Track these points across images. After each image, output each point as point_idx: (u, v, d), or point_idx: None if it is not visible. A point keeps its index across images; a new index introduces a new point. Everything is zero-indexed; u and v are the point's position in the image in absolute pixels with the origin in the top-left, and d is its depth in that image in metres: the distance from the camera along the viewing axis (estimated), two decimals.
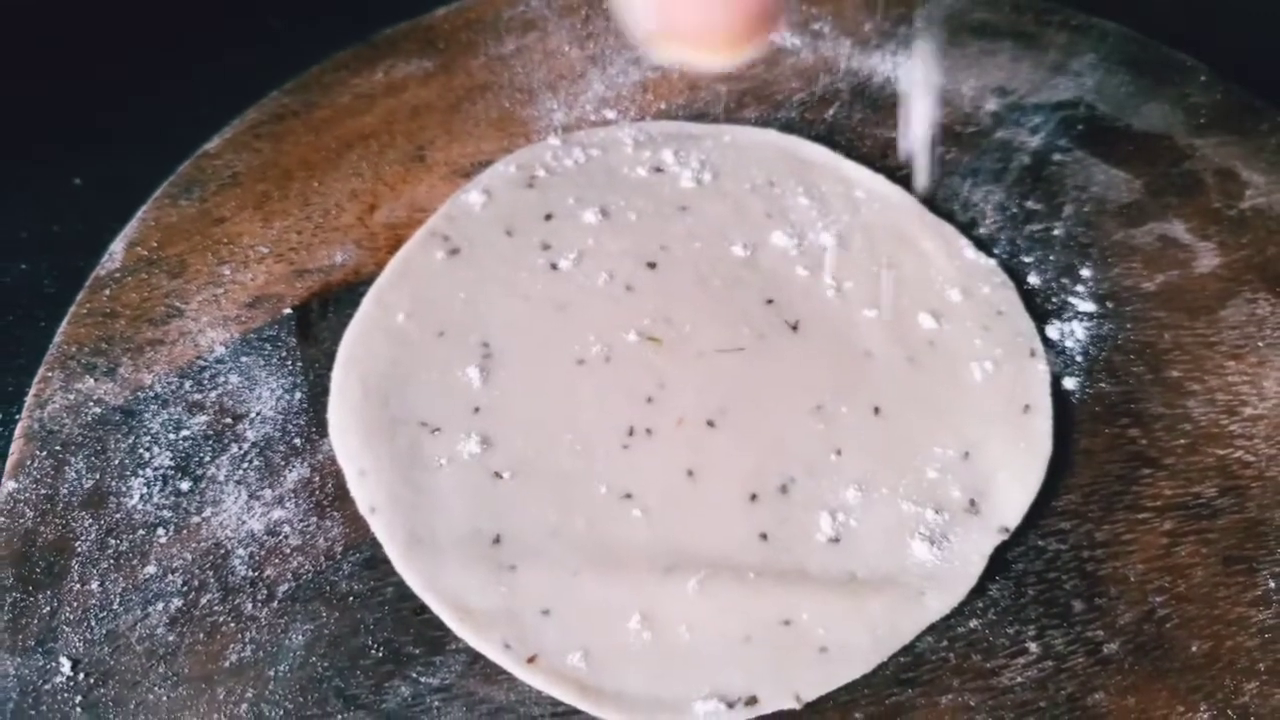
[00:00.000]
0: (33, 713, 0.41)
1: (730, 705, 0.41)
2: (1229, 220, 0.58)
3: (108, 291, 0.55)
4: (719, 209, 0.58)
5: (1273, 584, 0.45)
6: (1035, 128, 0.62)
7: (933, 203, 0.58)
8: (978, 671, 0.42)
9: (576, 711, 0.41)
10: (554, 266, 0.55)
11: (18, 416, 0.50)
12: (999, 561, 0.45)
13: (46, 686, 0.42)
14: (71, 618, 0.44)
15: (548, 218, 0.58)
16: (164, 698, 0.42)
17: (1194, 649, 0.43)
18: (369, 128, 0.62)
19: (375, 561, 0.45)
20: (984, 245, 0.57)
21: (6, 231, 0.63)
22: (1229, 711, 0.41)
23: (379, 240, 0.57)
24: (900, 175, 0.59)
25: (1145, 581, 0.45)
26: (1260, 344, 0.53)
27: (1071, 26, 0.68)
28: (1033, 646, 0.43)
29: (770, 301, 0.54)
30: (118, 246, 0.57)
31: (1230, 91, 0.64)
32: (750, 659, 0.42)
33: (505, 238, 0.57)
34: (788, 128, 0.62)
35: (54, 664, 0.42)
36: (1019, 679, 0.42)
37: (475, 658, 0.42)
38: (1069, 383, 0.51)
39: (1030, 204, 0.58)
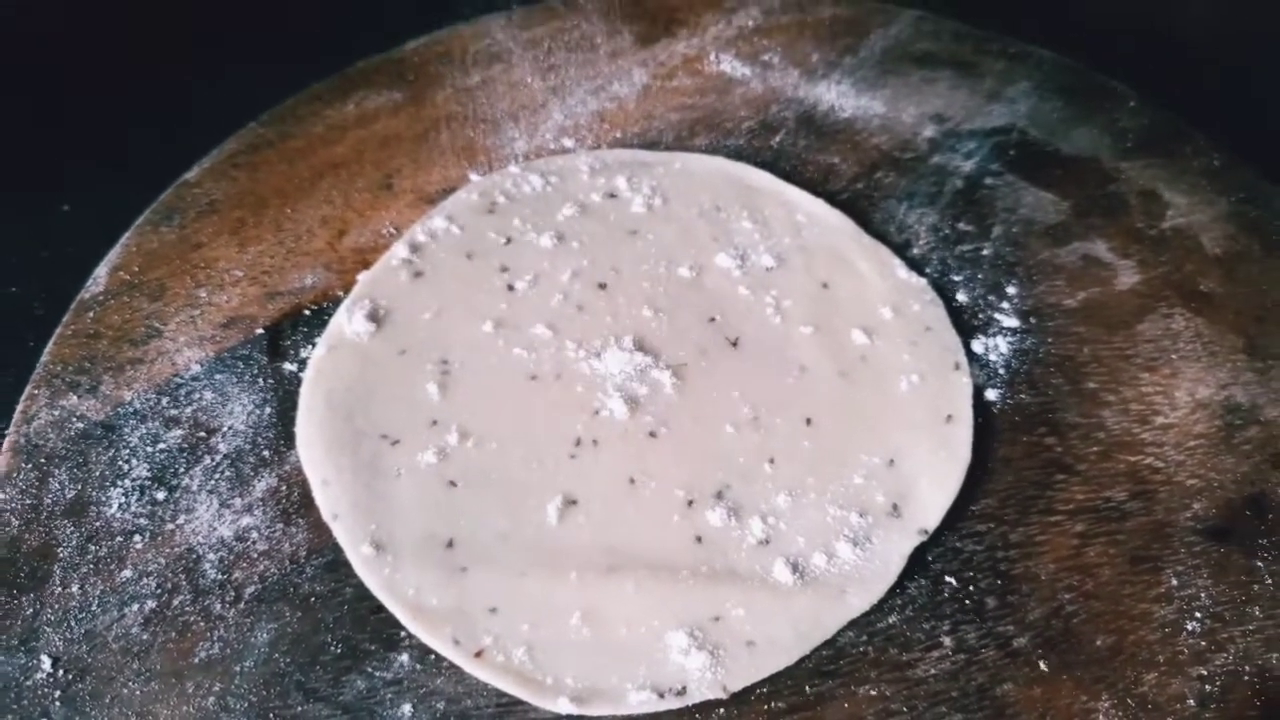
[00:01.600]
0: (14, 707, 0.44)
1: (661, 695, 0.44)
2: (1150, 239, 0.61)
3: (92, 314, 0.58)
4: (667, 232, 0.62)
5: (1175, 582, 0.48)
6: (969, 153, 0.65)
7: (869, 225, 0.62)
8: (894, 664, 0.45)
9: (520, 702, 0.44)
10: (511, 288, 0.59)
11: (5, 432, 0.54)
12: (919, 561, 0.48)
13: (28, 683, 0.45)
14: (52, 619, 0.47)
15: (507, 242, 0.61)
16: (137, 692, 0.45)
17: (1099, 643, 0.46)
18: (340, 157, 0.66)
19: (336, 565, 0.48)
20: (916, 265, 0.60)
21: None
22: (1129, 700, 0.44)
23: (347, 264, 0.60)
24: (840, 200, 0.63)
25: (1056, 580, 0.48)
26: (1174, 356, 0.56)
27: (1009, 55, 0.71)
28: (947, 641, 0.46)
29: (713, 320, 0.57)
30: (102, 271, 0.60)
31: (1158, 116, 0.67)
32: (682, 652, 0.45)
33: (466, 261, 0.60)
34: (736, 154, 0.66)
35: (35, 662, 0.45)
36: (933, 671, 0.45)
37: (426, 653, 0.46)
38: (991, 394, 0.54)
39: (962, 225, 0.62)
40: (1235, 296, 0.58)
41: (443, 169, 0.65)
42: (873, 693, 0.45)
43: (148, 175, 0.66)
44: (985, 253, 0.60)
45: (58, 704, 0.44)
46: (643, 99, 0.70)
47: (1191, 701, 0.44)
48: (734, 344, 0.56)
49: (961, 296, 0.58)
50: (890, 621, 0.47)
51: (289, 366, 0.56)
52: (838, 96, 0.69)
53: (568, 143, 0.67)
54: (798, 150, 0.66)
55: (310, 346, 0.56)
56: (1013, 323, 0.57)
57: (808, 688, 0.45)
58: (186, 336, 0.57)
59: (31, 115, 0.75)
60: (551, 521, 0.49)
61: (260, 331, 0.57)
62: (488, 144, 0.67)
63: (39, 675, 0.45)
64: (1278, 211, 0.62)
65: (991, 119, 0.67)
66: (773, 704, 0.44)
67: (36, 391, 0.55)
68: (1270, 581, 0.48)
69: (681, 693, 0.44)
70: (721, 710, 0.44)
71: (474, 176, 0.65)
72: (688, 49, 0.74)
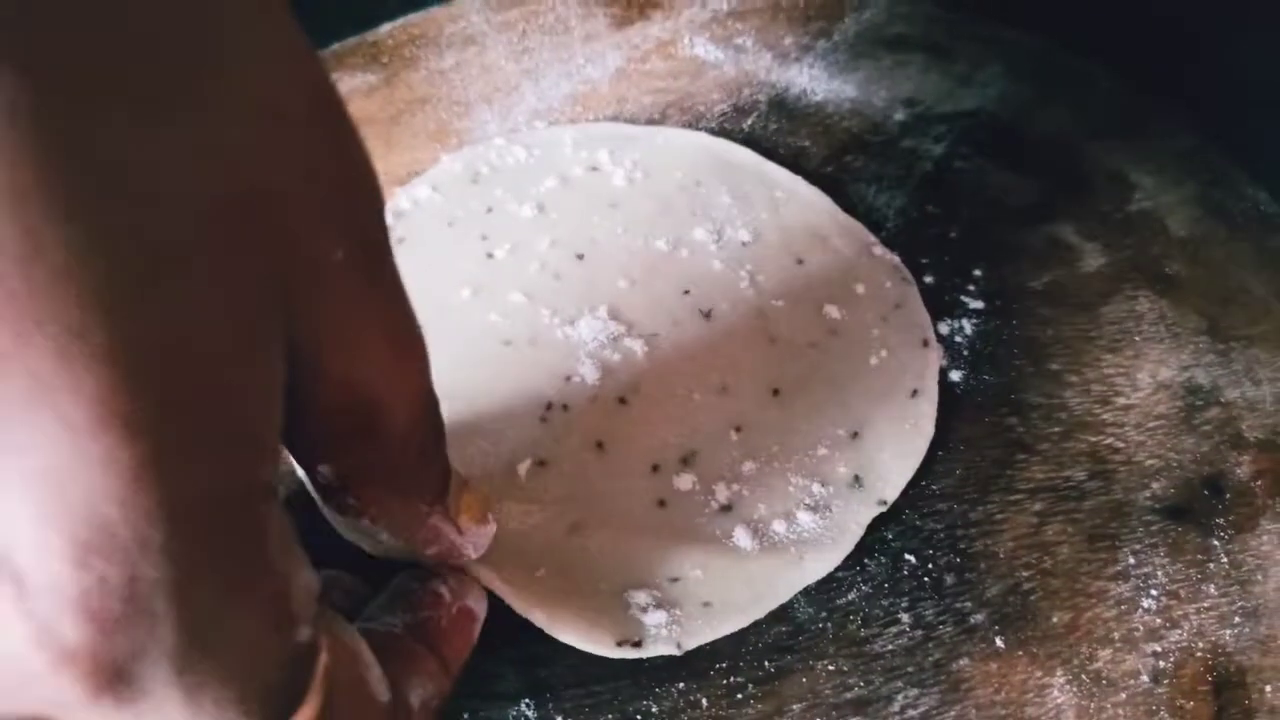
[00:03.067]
0: None
1: (619, 644, 0.45)
2: (1116, 222, 0.61)
3: None
4: (646, 206, 0.62)
5: (1132, 560, 0.48)
6: (939, 136, 0.65)
7: (841, 203, 0.62)
8: (852, 640, 0.46)
9: (486, 675, 0.45)
10: (490, 256, 0.59)
11: None
12: (879, 539, 0.49)
13: None
14: None
15: (488, 211, 0.62)
16: None
17: (1055, 619, 0.47)
18: None
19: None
20: (885, 247, 0.60)
21: None
22: (1083, 676, 0.45)
23: None
24: (817, 178, 0.63)
25: (1014, 557, 0.49)
26: (1137, 338, 0.56)
27: (982, 38, 0.71)
28: (905, 617, 0.47)
29: (687, 292, 0.58)
30: None
31: (1129, 99, 0.68)
32: (641, 610, 0.46)
33: (448, 228, 0.61)
34: None
35: None
36: (890, 646, 0.46)
37: None
38: (955, 375, 0.55)
39: (930, 208, 0.62)
40: (1200, 279, 0.59)
41: (414, 151, 0.66)
42: (830, 667, 0.45)
43: None
44: (953, 235, 0.61)
45: None
46: (616, 82, 0.70)
47: (1145, 677, 0.45)
48: (706, 315, 0.57)
49: (928, 278, 0.59)
50: (849, 598, 0.47)
51: None
52: (810, 80, 0.69)
53: (540, 125, 0.67)
54: (769, 133, 0.67)
55: None
56: (978, 304, 0.57)
57: (766, 662, 0.45)
58: None
59: None
60: (519, 482, 0.50)
61: None
62: (460, 127, 0.67)
63: None
64: (1244, 195, 0.63)
65: (962, 102, 0.67)
66: (732, 679, 0.45)
67: None
68: (1226, 560, 0.48)
69: (638, 644, 0.45)
70: (681, 685, 0.45)
71: (445, 158, 0.65)
72: (662, 32, 0.74)
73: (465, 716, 0.43)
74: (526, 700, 0.44)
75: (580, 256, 0.59)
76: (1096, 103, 0.67)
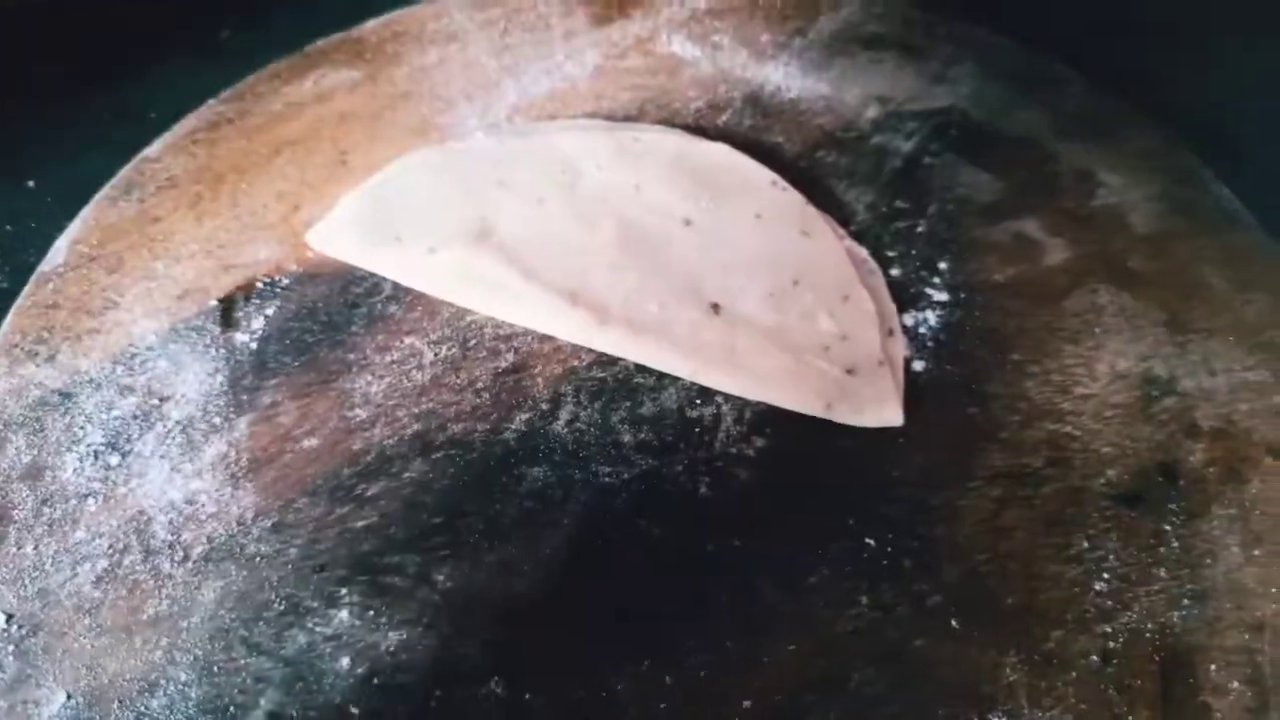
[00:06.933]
0: None
1: None
2: (1080, 218, 0.63)
3: (51, 285, 0.60)
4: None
5: (1086, 544, 0.50)
6: (910, 133, 0.67)
7: (812, 198, 0.63)
8: (814, 621, 0.48)
9: (456, 654, 0.46)
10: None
11: None
12: (841, 524, 0.50)
13: None
14: (7, 577, 0.49)
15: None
16: (88, 646, 0.47)
17: (1009, 602, 0.48)
18: (297, 134, 0.68)
19: (281, 526, 0.50)
20: (854, 240, 0.62)
21: None
22: (1035, 656, 0.46)
23: (301, 237, 0.62)
24: (790, 173, 0.64)
25: (972, 542, 0.50)
26: (1097, 330, 0.58)
27: (955, 38, 0.73)
28: (864, 599, 0.48)
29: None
30: (62, 244, 0.62)
31: (1099, 99, 0.69)
32: None
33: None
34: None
35: None
36: (850, 627, 0.47)
37: (365, 610, 0.48)
38: (918, 365, 0.56)
39: (899, 203, 0.63)
40: (1161, 273, 0.60)
41: (397, 147, 0.67)
42: (791, 647, 0.47)
43: (113, 150, 0.67)
44: (920, 230, 0.62)
45: (11, 657, 0.46)
46: (594, 79, 0.72)
47: (1095, 657, 0.46)
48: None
49: (895, 271, 0.60)
50: (811, 581, 0.49)
51: (241, 337, 0.57)
52: (785, 77, 0.71)
53: (520, 121, 0.68)
54: (743, 130, 0.68)
55: (262, 317, 0.58)
56: (943, 297, 0.59)
57: (730, 643, 0.47)
58: (143, 308, 0.59)
59: None
60: None
61: (214, 303, 0.59)
62: (442, 122, 0.69)
63: None
64: (1208, 192, 0.64)
65: (934, 100, 0.69)
66: (697, 658, 0.46)
67: None
68: (1177, 544, 0.50)
69: None
70: (648, 664, 0.46)
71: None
72: (640, 30, 0.75)
73: (437, 693, 0.45)
74: (496, 679, 0.46)
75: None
76: (1066, 102, 0.69)
